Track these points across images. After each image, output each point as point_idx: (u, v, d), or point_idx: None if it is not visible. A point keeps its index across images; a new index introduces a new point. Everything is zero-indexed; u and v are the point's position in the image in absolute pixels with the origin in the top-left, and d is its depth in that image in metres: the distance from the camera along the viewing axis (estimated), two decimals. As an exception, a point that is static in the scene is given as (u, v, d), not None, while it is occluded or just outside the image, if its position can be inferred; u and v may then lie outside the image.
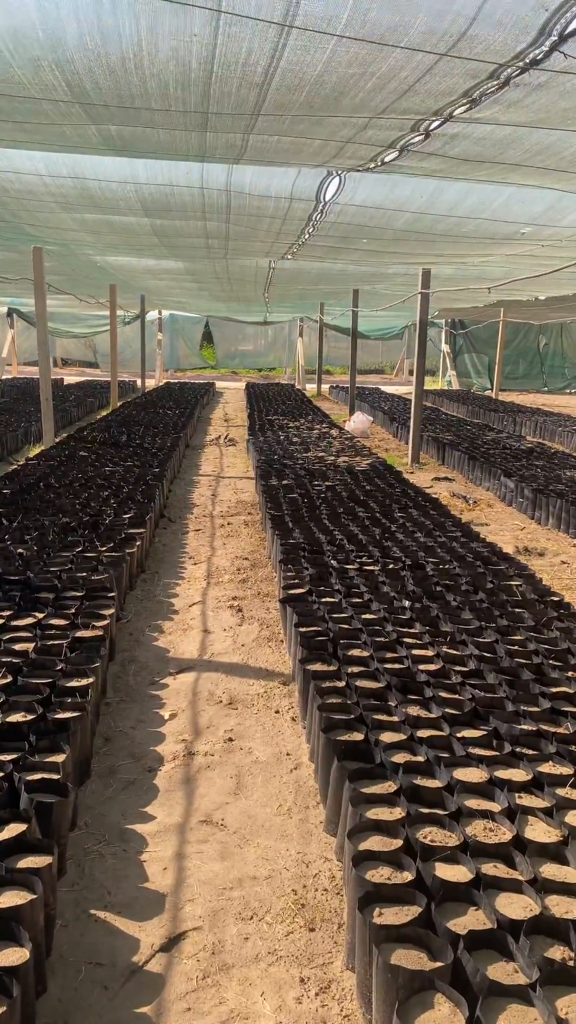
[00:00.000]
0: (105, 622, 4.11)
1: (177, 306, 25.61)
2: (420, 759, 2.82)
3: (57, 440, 11.01)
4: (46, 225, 7.90)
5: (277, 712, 3.74)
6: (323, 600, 4.47)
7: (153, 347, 26.64)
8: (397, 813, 2.51)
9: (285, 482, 8.17)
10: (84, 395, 18.30)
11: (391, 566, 5.20)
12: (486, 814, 2.52)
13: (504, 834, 2.44)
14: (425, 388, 23.91)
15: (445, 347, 27.71)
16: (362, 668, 3.57)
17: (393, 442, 13.83)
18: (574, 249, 8.43)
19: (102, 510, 6.60)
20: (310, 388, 23.99)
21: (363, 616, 4.21)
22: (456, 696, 3.31)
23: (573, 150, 4.78)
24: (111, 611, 4.30)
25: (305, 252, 9.51)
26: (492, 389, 25.27)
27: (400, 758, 2.84)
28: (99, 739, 3.47)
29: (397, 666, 3.61)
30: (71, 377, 26.51)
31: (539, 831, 2.48)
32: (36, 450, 11.11)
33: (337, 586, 4.69)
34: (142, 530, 6.04)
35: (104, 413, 15.67)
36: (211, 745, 3.44)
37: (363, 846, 2.35)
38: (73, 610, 4.23)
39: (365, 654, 3.71)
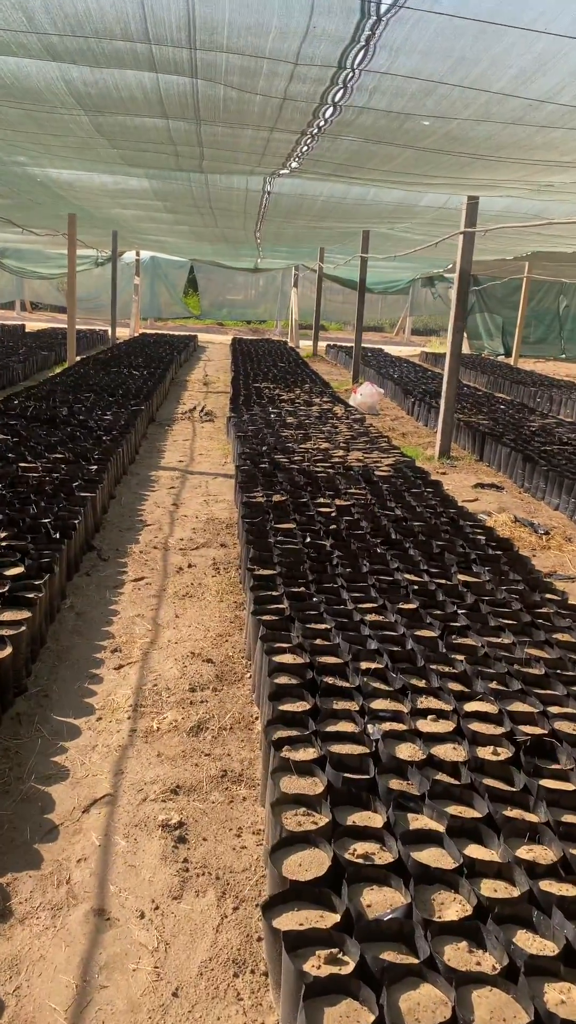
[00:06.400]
0: None
1: (157, 246, 22.39)
2: None
3: (-24, 411, 8.28)
4: None
5: None
6: (366, 901, 1.91)
7: (129, 292, 23.59)
8: None
9: (277, 497, 5.56)
10: (38, 347, 15.41)
11: (483, 744, 2.64)
12: None
13: None
14: (431, 351, 21.27)
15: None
16: None
17: (409, 422, 11.16)
18: None
19: (-23, 557, 3.99)
20: (304, 346, 21.10)
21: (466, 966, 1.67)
22: None
23: None
24: None
25: (320, 156, 6.45)
26: (506, 354, 22.52)
27: None
28: None
29: None
30: (36, 323, 23.44)
31: None
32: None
33: (393, 836, 2.12)
34: (24, 615, 3.42)
35: (56, 371, 12.85)
36: None
37: None
38: None
39: None
